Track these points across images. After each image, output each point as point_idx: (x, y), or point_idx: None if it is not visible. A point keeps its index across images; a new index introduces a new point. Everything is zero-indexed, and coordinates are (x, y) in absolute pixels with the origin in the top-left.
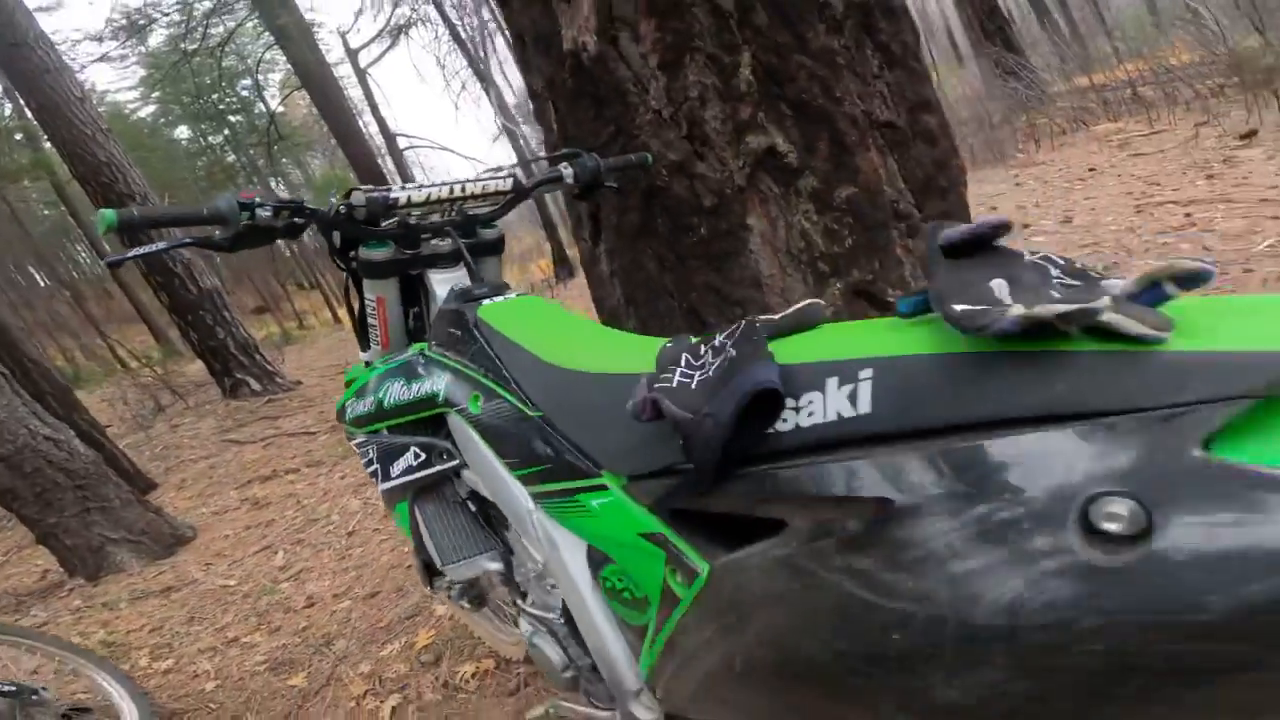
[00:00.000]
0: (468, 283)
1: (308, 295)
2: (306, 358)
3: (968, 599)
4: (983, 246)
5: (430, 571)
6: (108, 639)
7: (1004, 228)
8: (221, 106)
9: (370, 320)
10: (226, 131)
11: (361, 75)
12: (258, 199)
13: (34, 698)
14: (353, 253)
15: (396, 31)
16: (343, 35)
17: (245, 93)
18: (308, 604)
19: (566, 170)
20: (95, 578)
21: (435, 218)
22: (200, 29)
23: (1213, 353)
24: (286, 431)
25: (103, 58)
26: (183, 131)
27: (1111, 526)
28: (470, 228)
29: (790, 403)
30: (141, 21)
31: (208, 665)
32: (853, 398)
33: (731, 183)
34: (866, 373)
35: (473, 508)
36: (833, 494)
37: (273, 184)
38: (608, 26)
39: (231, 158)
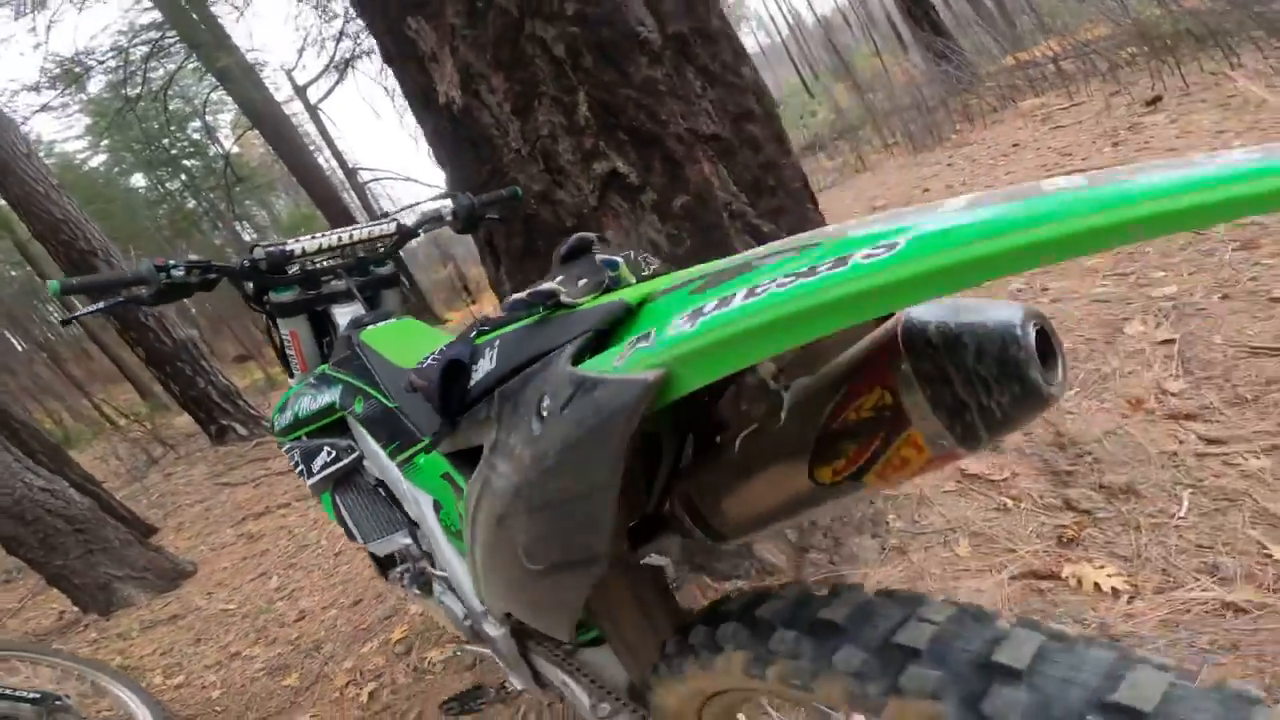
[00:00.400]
0: (361, 313)
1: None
2: None
3: (513, 468)
4: (584, 253)
5: (382, 565)
6: (124, 664)
7: (588, 240)
8: (174, 151)
9: (288, 351)
10: (183, 177)
11: (313, 111)
12: (171, 261)
13: (57, 703)
14: (266, 297)
15: (342, 65)
16: (288, 73)
17: (197, 136)
18: (299, 617)
19: (445, 209)
20: (107, 613)
21: (338, 261)
22: (140, 74)
23: (584, 310)
24: (276, 471)
25: (43, 108)
26: (138, 180)
27: (544, 412)
28: (364, 267)
29: (475, 368)
30: (77, 70)
31: (214, 677)
32: (490, 359)
33: (587, 204)
34: (498, 343)
35: (382, 493)
36: (486, 419)
37: (238, 228)
38: (469, 81)
39: (192, 203)
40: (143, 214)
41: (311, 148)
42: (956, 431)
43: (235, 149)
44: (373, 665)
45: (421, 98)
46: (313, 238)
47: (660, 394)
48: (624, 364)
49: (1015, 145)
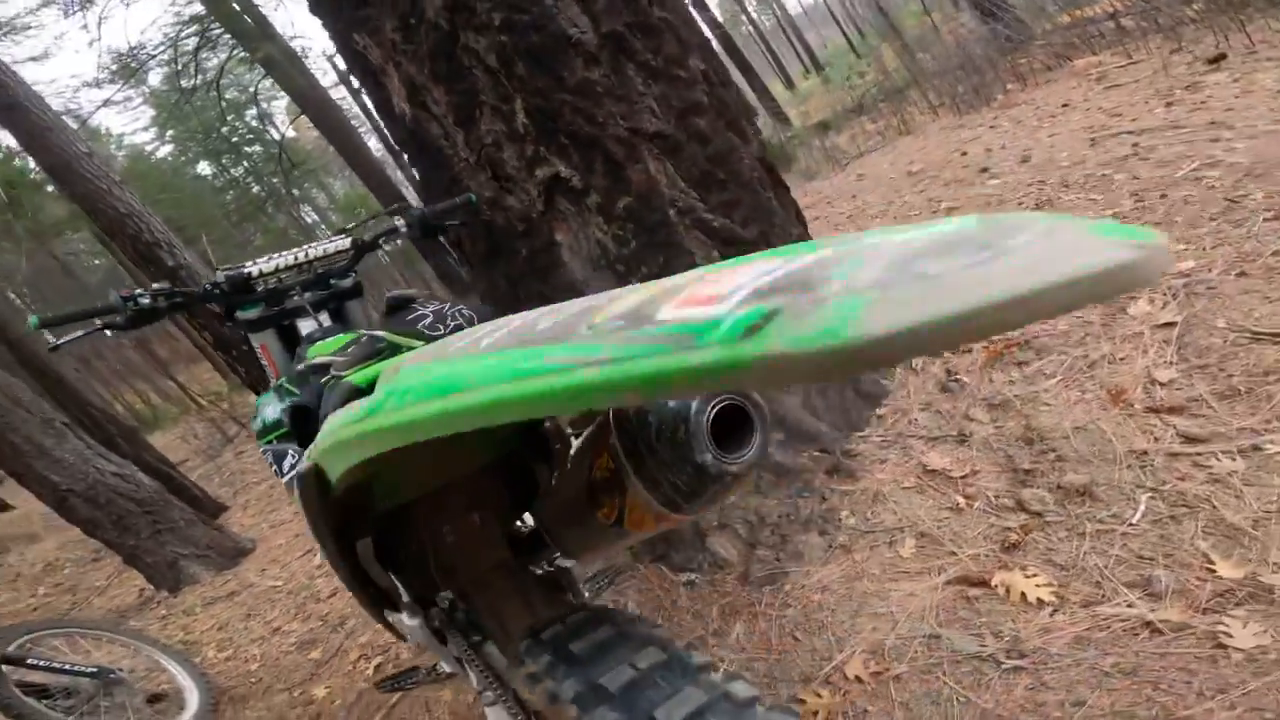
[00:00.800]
0: (324, 325)
1: None
2: None
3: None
4: (402, 309)
5: None
6: (186, 639)
7: (405, 298)
8: (234, 139)
9: (262, 362)
10: (245, 163)
11: (356, 95)
12: (138, 291)
13: (112, 677)
14: (235, 314)
15: None
16: (330, 59)
17: (254, 122)
18: (332, 594)
19: (399, 221)
20: (176, 589)
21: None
22: (192, 65)
23: (343, 384)
24: None
25: (106, 103)
26: (204, 168)
27: None
28: (324, 282)
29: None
30: (134, 64)
31: (256, 651)
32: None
33: (535, 209)
34: (325, 393)
35: None
36: None
37: (298, 211)
38: (415, 94)
39: (256, 188)
40: (210, 200)
41: (362, 129)
42: (660, 500)
43: (291, 133)
44: (384, 641)
45: (383, 108)
46: (269, 259)
47: (321, 480)
48: (311, 451)
49: (1064, 105)
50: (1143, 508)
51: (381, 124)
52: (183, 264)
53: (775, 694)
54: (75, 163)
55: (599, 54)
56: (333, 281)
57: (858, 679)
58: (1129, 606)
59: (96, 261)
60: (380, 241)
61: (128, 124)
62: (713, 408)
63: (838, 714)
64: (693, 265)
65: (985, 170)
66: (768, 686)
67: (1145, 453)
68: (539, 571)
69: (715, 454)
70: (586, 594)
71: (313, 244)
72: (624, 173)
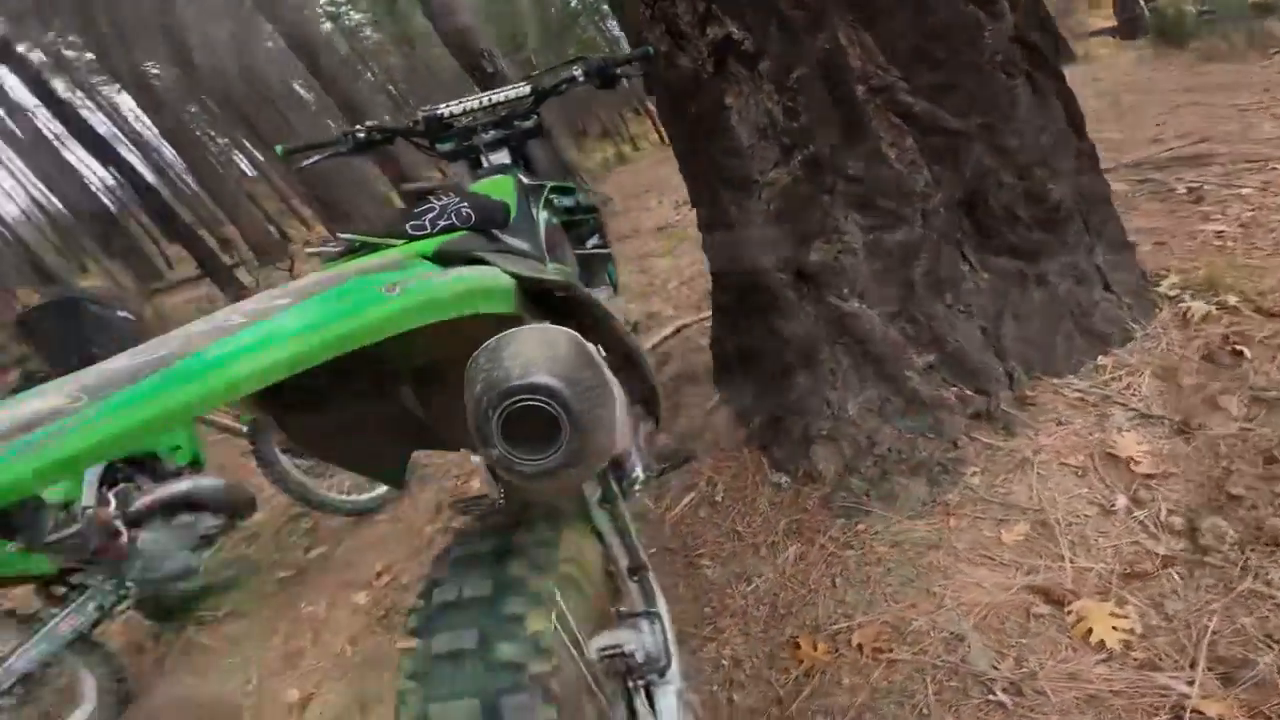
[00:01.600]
0: (502, 161)
1: (641, 121)
2: (624, 180)
3: None
4: (421, 197)
5: None
6: None
7: (425, 189)
8: None
9: None
10: None
11: None
12: (356, 128)
13: None
14: (435, 147)
15: None
16: None
17: None
18: None
19: (578, 70)
20: None
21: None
22: None
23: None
24: None
25: None
26: None
27: None
28: (508, 123)
29: None
30: None
31: None
32: None
33: (705, 69)
34: None
35: None
36: None
37: (606, 24)
38: None
39: (574, 2)
40: (534, 15)
41: None
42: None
43: None
44: None
45: None
46: (459, 102)
47: None
48: None
49: None
50: None
51: None
52: (498, 70)
53: (779, 631)
54: None
55: None
56: (515, 123)
57: (859, 647)
58: (1186, 684)
59: (450, 63)
60: (560, 88)
61: None
62: (507, 406)
63: (818, 672)
64: (876, 150)
65: None
66: (779, 620)
67: None
68: None
69: (504, 450)
70: (642, 474)
71: (497, 90)
72: (800, 41)
